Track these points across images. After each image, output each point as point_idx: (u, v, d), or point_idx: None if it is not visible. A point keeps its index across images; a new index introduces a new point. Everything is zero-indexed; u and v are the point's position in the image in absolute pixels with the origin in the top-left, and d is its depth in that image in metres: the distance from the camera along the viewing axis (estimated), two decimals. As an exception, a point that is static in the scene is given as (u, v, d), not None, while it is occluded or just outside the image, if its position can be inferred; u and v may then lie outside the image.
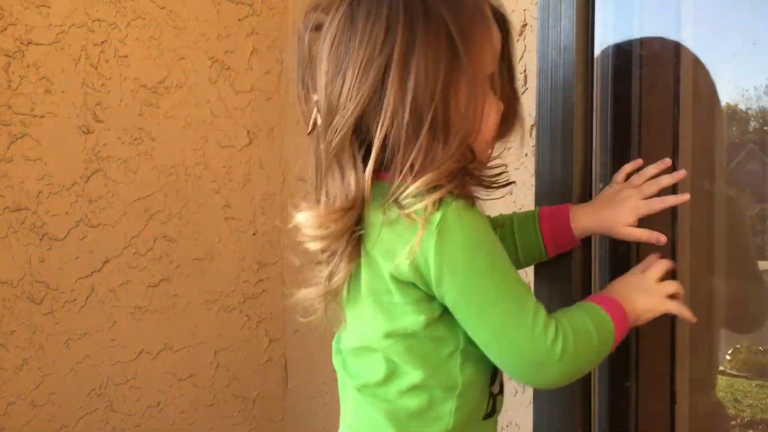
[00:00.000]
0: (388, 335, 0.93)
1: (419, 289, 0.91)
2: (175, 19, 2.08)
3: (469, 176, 0.92)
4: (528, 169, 1.37)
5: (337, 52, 0.90)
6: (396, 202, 0.88)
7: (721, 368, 1.85)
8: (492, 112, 0.94)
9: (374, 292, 0.93)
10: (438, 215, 0.86)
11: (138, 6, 2.04)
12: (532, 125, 1.26)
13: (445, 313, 0.92)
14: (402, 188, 0.87)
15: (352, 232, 0.91)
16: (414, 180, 0.87)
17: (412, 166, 0.87)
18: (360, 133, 0.91)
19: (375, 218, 0.90)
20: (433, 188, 0.86)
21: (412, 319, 0.92)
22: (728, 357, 1.85)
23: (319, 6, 0.96)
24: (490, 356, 0.92)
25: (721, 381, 1.84)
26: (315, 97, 0.94)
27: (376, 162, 0.89)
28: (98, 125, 2.00)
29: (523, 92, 1.35)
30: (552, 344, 0.88)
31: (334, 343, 1.05)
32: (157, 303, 2.08)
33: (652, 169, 1.05)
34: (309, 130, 0.95)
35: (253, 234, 2.21)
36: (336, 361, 1.04)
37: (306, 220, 0.94)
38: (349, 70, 0.89)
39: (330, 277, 0.95)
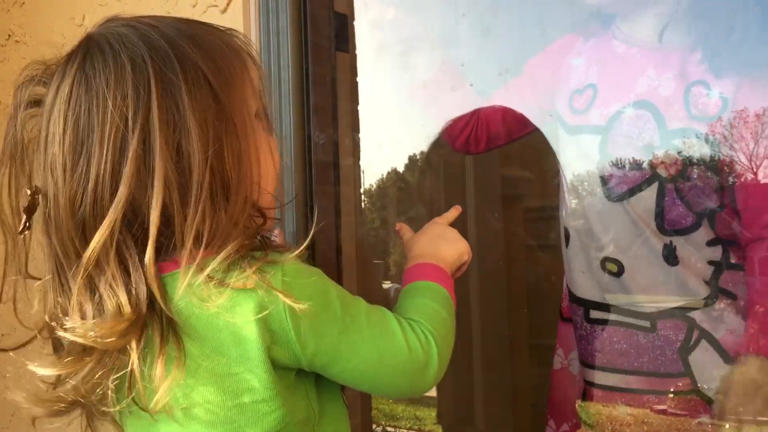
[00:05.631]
0: None
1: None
2: None
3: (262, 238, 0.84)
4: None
5: (76, 127, 0.77)
6: (217, 282, 0.77)
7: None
8: (268, 155, 0.87)
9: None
10: (278, 275, 0.78)
11: None
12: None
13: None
14: (208, 266, 0.76)
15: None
16: (215, 252, 0.77)
17: (198, 242, 0.76)
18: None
19: (189, 311, 0.78)
20: (242, 256, 0.78)
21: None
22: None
23: (35, 77, 0.83)
24: (374, 389, 0.90)
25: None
26: (36, 185, 0.80)
27: (154, 250, 0.76)
28: None
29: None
30: (426, 346, 0.87)
31: None
32: None
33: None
34: (21, 228, 0.79)
35: None
36: None
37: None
38: (101, 145, 0.76)
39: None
